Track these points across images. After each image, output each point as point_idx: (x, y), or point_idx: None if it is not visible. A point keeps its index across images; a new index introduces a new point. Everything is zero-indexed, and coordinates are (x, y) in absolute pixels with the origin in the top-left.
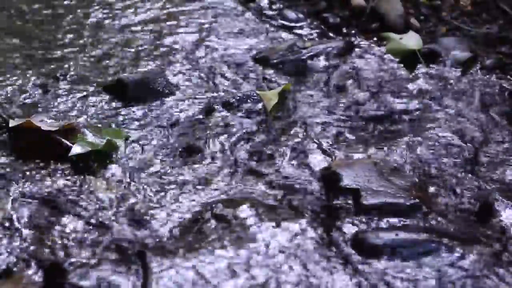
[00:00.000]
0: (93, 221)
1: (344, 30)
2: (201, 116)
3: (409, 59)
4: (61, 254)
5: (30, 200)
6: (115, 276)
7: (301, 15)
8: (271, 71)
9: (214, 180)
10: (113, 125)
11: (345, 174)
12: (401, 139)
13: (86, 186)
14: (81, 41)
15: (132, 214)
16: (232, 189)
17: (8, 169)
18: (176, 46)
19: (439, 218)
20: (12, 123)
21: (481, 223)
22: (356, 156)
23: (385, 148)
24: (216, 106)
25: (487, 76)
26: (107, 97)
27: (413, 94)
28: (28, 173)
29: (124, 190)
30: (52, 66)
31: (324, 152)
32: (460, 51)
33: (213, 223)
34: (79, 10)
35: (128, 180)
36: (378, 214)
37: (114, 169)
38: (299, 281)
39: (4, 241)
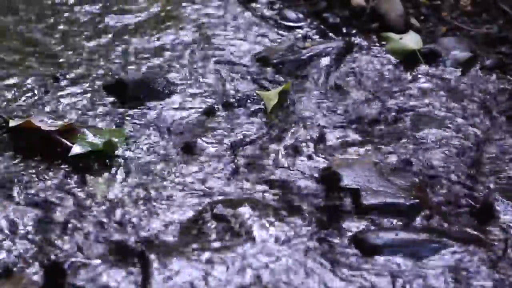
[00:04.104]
0: (93, 221)
1: (344, 30)
2: (201, 116)
3: (409, 59)
4: (61, 254)
5: (30, 200)
6: (115, 276)
7: (301, 15)
8: (271, 71)
9: (214, 180)
10: (113, 125)
11: (345, 174)
12: (401, 139)
13: (86, 186)
14: (81, 41)
15: (132, 214)
16: (232, 189)
17: (8, 169)
18: (176, 46)
19: (439, 218)
20: (12, 123)
21: (481, 223)
22: (356, 156)
23: (385, 148)
24: (216, 106)
25: (487, 76)
26: (107, 97)
27: (413, 94)
28: (28, 173)
29: (124, 190)
30: (52, 66)
31: (324, 152)
32: (460, 51)
33: (213, 223)
34: (78, 10)
35: (128, 180)
36: (378, 214)
37: (114, 169)
38: (300, 281)
39: (5, 241)
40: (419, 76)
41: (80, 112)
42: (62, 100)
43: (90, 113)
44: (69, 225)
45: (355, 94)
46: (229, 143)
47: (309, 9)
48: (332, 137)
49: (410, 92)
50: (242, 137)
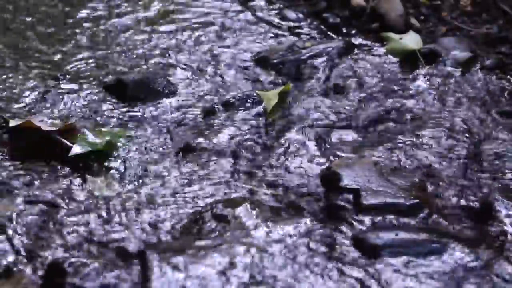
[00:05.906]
0: (92, 221)
1: (344, 30)
2: (201, 116)
3: (409, 59)
4: (61, 254)
5: (30, 200)
6: (115, 276)
7: (301, 15)
8: (271, 71)
9: (214, 180)
10: (113, 125)
11: (345, 174)
12: (401, 139)
13: (86, 186)
14: (81, 41)
15: (131, 214)
16: (232, 189)
17: (8, 170)
18: (176, 46)
19: (439, 218)
20: (12, 123)
21: (481, 223)
22: (356, 156)
23: (385, 148)
24: (216, 106)
25: (487, 76)
26: (107, 97)
27: (413, 94)
28: (28, 173)
29: (123, 190)
30: (52, 66)
31: (324, 152)
32: (460, 51)
33: (213, 223)
34: (78, 10)
35: (128, 180)
36: (378, 214)
37: (114, 169)
38: (300, 281)
39: (4, 241)
40: (419, 76)
41: (80, 112)
42: (62, 100)
43: (90, 113)
44: (69, 225)
45: (355, 94)
46: (229, 143)
47: (309, 9)
48: (332, 137)
49: (410, 92)
50: (242, 137)
